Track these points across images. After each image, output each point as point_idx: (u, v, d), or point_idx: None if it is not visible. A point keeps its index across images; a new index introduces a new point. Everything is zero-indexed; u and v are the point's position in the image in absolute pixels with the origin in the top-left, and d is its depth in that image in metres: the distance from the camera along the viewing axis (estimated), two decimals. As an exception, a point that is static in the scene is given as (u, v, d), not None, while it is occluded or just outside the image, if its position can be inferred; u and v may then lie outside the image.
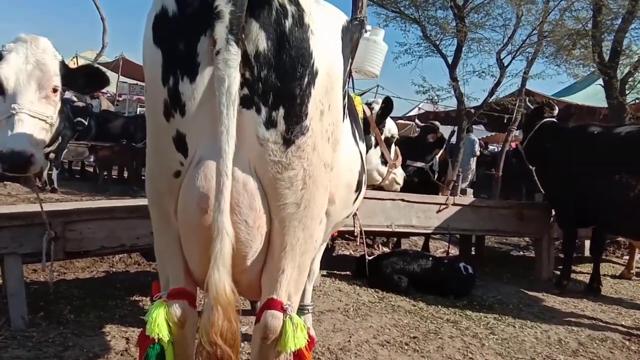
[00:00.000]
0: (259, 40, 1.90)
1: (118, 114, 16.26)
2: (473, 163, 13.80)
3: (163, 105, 1.99)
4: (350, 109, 3.11)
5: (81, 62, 21.71)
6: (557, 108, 7.60)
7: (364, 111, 4.07)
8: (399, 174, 4.75)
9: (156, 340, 2.10)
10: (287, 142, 2.01)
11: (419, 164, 7.77)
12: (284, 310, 2.11)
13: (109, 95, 21.42)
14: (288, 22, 1.94)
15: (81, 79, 3.42)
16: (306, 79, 2.00)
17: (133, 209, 4.59)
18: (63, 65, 3.29)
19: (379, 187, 5.16)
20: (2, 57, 3.07)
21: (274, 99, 1.96)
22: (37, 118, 3.04)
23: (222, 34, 1.84)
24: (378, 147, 4.42)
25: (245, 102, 1.94)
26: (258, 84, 1.94)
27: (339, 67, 2.24)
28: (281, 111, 1.97)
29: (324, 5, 2.39)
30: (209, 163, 1.96)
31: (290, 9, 1.95)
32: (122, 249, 4.73)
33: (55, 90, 3.18)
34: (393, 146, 4.80)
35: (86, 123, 12.65)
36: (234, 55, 1.85)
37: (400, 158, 4.70)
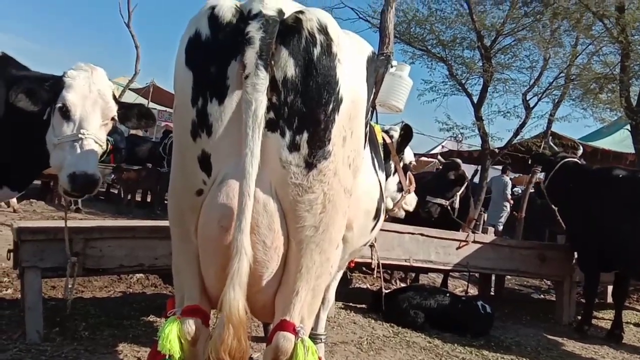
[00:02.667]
0: (288, 66, 1.97)
1: (146, 138, 16.53)
2: (507, 205, 13.59)
3: (191, 125, 2.05)
4: (370, 138, 3.15)
5: (114, 87, 22.31)
6: (581, 148, 7.55)
7: (383, 139, 4.11)
8: (411, 200, 4.74)
9: (167, 357, 2.12)
10: (310, 165, 2.05)
11: (440, 201, 7.71)
12: (296, 332, 2.11)
13: (137, 120, 21.83)
14: (316, 51, 2.00)
15: (134, 116, 3.70)
16: (331, 106, 2.04)
17: (154, 229, 4.65)
18: (114, 95, 3.50)
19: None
20: (66, 83, 3.26)
21: (298, 124, 2.01)
22: (98, 144, 3.25)
23: (252, 59, 1.91)
24: (396, 175, 4.44)
25: (271, 126, 1.99)
26: (284, 109, 1.99)
27: (363, 95, 2.29)
28: (305, 135, 2.02)
29: (351, 36, 2.46)
30: (232, 183, 2.01)
31: (319, 37, 2.01)
32: (141, 269, 4.78)
33: (112, 119, 3.41)
34: (409, 173, 4.80)
35: (121, 145, 12.91)
36: (262, 79, 1.91)
37: (414, 184, 4.69)
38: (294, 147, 2.02)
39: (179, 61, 2.10)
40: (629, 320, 7.57)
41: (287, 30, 1.97)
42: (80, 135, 3.15)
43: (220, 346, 1.92)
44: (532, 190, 13.46)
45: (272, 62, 1.95)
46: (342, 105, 2.08)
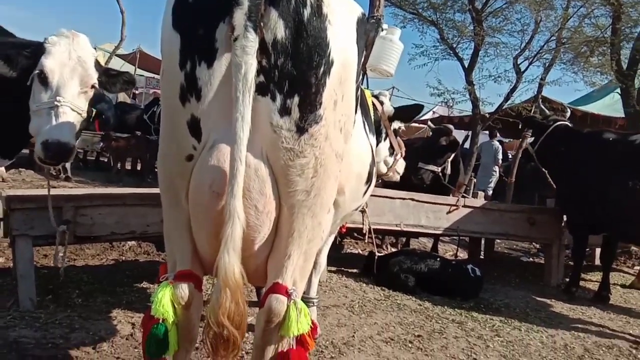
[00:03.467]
0: (277, 28, 1.92)
1: (135, 105, 16.36)
2: (497, 170, 13.61)
3: (179, 89, 2.01)
4: (361, 103, 3.13)
5: (99, 53, 21.96)
6: (569, 111, 7.56)
7: (373, 103, 4.09)
8: (401, 164, 4.76)
9: (161, 321, 2.13)
10: (301, 130, 2.02)
11: (432, 167, 7.72)
12: (288, 295, 2.12)
13: (125, 87, 21.56)
14: (306, 12, 1.95)
15: (119, 84, 3.73)
16: (322, 68, 2.01)
17: (144, 196, 4.64)
18: (97, 62, 3.44)
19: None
20: (46, 50, 3.20)
21: (289, 87, 1.98)
22: (75, 111, 3.19)
23: (240, 21, 1.86)
24: (387, 139, 4.44)
25: (261, 89, 1.96)
26: (274, 72, 1.96)
27: (353, 58, 2.25)
28: (296, 99, 1.99)
29: (341, -3, 2.41)
30: (222, 148, 1.99)
31: None
32: (132, 236, 4.78)
33: (92, 87, 3.34)
34: (398, 137, 4.82)
35: (109, 113, 12.77)
36: (252, 42, 1.87)
37: (404, 148, 4.72)
38: (284, 111, 1.99)
39: (165, 24, 2.05)
40: (615, 282, 7.69)
41: None
42: (56, 103, 3.11)
43: (218, 310, 1.93)
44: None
45: (262, 24, 1.90)
46: (333, 68, 2.05)
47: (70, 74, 3.21)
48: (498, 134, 14.32)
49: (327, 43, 2.01)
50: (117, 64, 23.20)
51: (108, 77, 3.58)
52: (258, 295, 4.38)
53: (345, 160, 2.47)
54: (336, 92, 2.11)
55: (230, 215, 1.91)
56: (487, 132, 15.30)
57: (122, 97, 16.87)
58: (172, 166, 2.18)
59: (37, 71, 3.16)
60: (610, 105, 15.93)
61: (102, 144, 12.19)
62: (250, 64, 1.88)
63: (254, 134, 1.96)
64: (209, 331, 1.96)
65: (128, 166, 13.80)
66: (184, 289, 2.17)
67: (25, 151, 12.78)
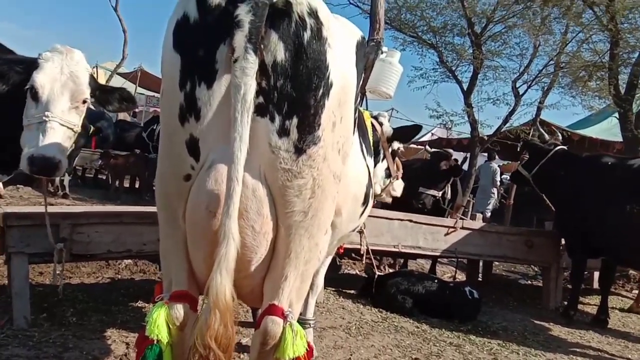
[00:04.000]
0: (277, 50, 1.94)
1: (135, 124, 16.41)
2: (495, 192, 13.59)
3: (179, 109, 2.02)
4: (359, 124, 3.14)
5: (101, 72, 22.14)
6: (560, 135, 7.61)
7: (372, 125, 4.11)
8: (398, 185, 4.77)
9: (155, 342, 2.11)
10: (299, 151, 2.03)
11: (433, 192, 7.73)
12: (284, 316, 2.11)
13: (126, 105, 21.65)
14: (307, 35, 1.97)
15: (115, 100, 3.65)
16: (321, 91, 2.03)
17: (141, 215, 4.63)
18: (92, 78, 3.45)
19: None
20: (39, 65, 3.21)
21: (288, 108, 1.99)
22: (65, 126, 3.18)
23: (241, 43, 1.88)
24: (385, 161, 4.46)
25: (260, 110, 1.97)
26: (274, 93, 1.97)
27: (352, 81, 2.27)
28: (295, 120, 2.00)
29: (341, 20, 2.44)
30: (220, 168, 1.99)
31: (310, 21, 1.98)
32: (129, 255, 4.76)
33: (84, 102, 3.33)
34: (396, 159, 4.84)
35: (108, 131, 12.79)
36: (252, 63, 1.89)
37: (401, 170, 4.73)
38: (283, 132, 2.00)
39: (166, 44, 2.07)
40: (614, 306, 7.66)
41: (277, 13, 1.94)
42: (44, 118, 3.09)
43: (206, 332, 1.91)
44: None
45: (262, 46, 1.92)
46: (332, 91, 2.07)
47: (61, 89, 3.20)
48: (497, 156, 14.35)
49: (326, 66, 2.03)
50: (119, 82, 23.35)
51: (103, 93, 3.56)
52: (254, 316, 4.34)
53: (343, 181, 2.48)
54: (335, 114, 2.12)
55: (224, 236, 1.90)
56: (485, 154, 15.37)
57: (122, 115, 16.93)
58: (170, 185, 2.18)
59: (29, 86, 3.16)
60: (608, 130, 16.00)
61: (100, 161, 12.19)
62: (250, 85, 1.89)
63: (253, 155, 1.96)
64: (195, 353, 1.93)
65: (126, 184, 13.80)
66: (179, 310, 2.16)
67: (24, 168, 12.73)
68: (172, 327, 2.15)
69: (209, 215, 2.02)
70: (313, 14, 2.00)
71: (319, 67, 2.01)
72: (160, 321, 2.13)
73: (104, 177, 14.42)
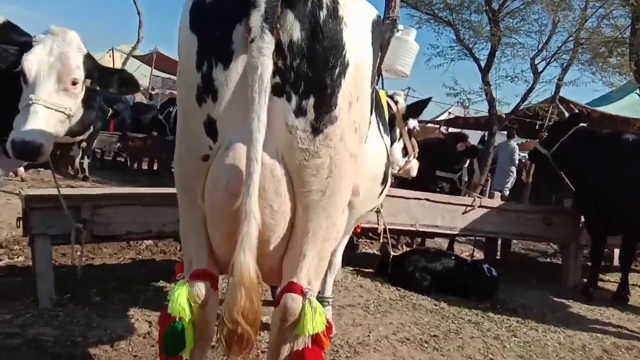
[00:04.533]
0: (294, 30, 1.94)
1: (151, 106, 16.50)
2: (514, 171, 13.41)
3: (196, 90, 2.04)
4: (376, 104, 3.14)
5: (117, 55, 22.21)
6: (585, 113, 7.50)
7: (388, 104, 4.09)
8: (414, 165, 4.77)
9: (177, 319, 2.16)
10: (316, 130, 2.04)
11: (449, 175, 7.70)
12: (303, 294, 2.14)
13: (142, 88, 21.77)
14: (322, 14, 1.97)
15: (115, 82, 3.53)
16: (337, 70, 2.03)
17: (161, 195, 4.68)
18: (90, 59, 3.38)
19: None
20: (30, 47, 3.16)
21: (305, 88, 2.00)
22: (52, 109, 3.12)
23: (257, 23, 1.88)
24: (402, 140, 4.45)
25: (277, 90, 1.98)
26: (290, 73, 1.98)
27: (369, 60, 2.26)
28: (311, 100, 2.01)
29: (357, -1, 2.42)
30: (238, 148, 2.01)
31: (325, 0, 1.98)
32: (149, 235, 4.83)
33: (74, 83, 3.24)
34: (412, 138, 4.82)
35: (125, 113, 12.90)
36: (268, 43, 1.89)
37: (417, 149, 4.72)
38: (300, 112, 2.01)
39: (182, 25, 2.08)
40: (635, 283, 7.61)
41: None
42: (29, 101, 3.05)
43: (233, 307, 1.95)
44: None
45: (278, 26, 1.92)
46: (348, 70, 2.06)
47: (48, 71, 3.13)
48: (516, 135, 14.18)
49: (342, 45, 2.03)
50: (134, 65, 23.46)
51: (102, 75, 3.47)
52: (273, 294, 4.40)
53: (360, 161, 2.48)
54: (351, 93, 2.12)
55: (246, 215, 1.93)
56: (504, 132, 15.20)
57: (139, 97, 17.05)
58: (188, 166, 2.21)
59: (19, 69, 3.12)
60: (629, 107, 15.72)
61: (118, 144, 12.31)
62: (267, 65, 1.90)
63: (270, 135, 1.98)
64: (223, 328, 1.98)
65: (144, 166, 13.93)
66: (200, 288, 2.20)
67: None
68: (194, 305, 2.20)
69: (228, 194, 2.04)
70: None
71: (335, 46, 2.01)
72: (182, 299, 2.17)
73: (123, 160, 14.57)
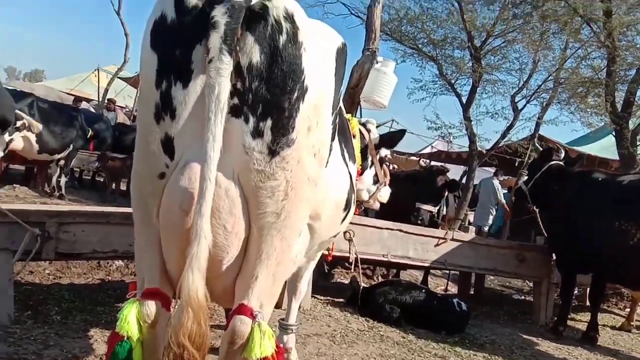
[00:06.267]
0: (253, 53, 1.97)
1: (133, 127, 16.43)
2: (493, 210, 13.44)
3: (154, 107, 2.05)
4: (342, 131, 3.17)
5: (102, 75, 22.22)
6: (563, 152, 7.61)
7: (360, 132, 4.13)
8: (384, 192, 4.78)
9: (125, 338, 2.12)
10: (272, 152, 2.05)
11: (429, 207, 7.73)
12: (253, 316, 2.11)
13: (127, 110, 21.73)
14: (282, 38, 2.00)
15: None
16: (296, 94, 2.05)
17: (129, 215, 4.57)
18: None
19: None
20: None
21: (262, 110, 2.01)
22: None
23: (216, 44, 1.90)
24: (373, 168, 4.47)
25: (235, 111, 2.00)
26: (248, 95, 1.99)
27: (330, 86, 2.30)
28: (269, 122, 2.02)
29: (321, 26, 2.46)
30: (193, 167, 2.01)
31: (285, 25, 2.01)
32: (115, 255, 4.75)
33: None
34: (384, 166, 4.84)
35: (106, 133, 12.84)
36: (226, 64, 1.91)
37: (388, 177, 4.74)
38: (257, 133, 2.02)
39: (144, 43, 2.10)
40: (606, 323, 7.65)
41: (254, 16, 1.97)
42: None
43: (180, 330, 1.92)
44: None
45: (237, 48, 1.95)
46: (307, 95, 2.09)
47: None
48: (501, 174, 14.27)
49: (301, 70, 2.05)
50: (120, 86, 23.49)
51: None
52: (227, 317, 4.33)
53: (322, 186, 2.50)
54: (310, 118, 2.14)
55: (196, 235, 1.92)
56: (488, 168, 15.34)
57: (122, 118, 17.00)
58: (145, 184, 2.20)
59: None
60: (607, 148, 15.97)
61: (97, 163, 12.20)
62: (224, 86, 1.92)
63: (226, 155, 1.99)
64: (169, 352, 1.94)
65: (123, 187, 13.78)
66: (151, 307, 2.16)
67: (21, 167, 12.80)
68: (143, 325, 2.16)
69: (182, 213, 2.04)
70: (289, 18, 2.02)
71: (294, 71, 2.03)
72: (131, 318, 2.13)
73: (101, 180, 14.43)
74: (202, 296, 1.94)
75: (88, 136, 11.38)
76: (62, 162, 10.80)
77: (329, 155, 2.55)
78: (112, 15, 21.18)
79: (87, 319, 4.51)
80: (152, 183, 2.14)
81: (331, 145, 2.55)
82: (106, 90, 21.20)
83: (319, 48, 2.19)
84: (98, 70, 21.79)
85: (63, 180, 11.06)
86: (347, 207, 3.26)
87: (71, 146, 10.69)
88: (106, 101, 17.91)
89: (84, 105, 16.14)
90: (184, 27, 1.99)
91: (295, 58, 2.03)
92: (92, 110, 16.09)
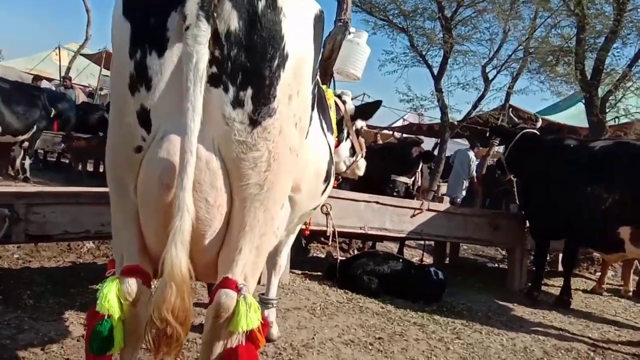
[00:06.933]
0: (231, 19, 1.89)
1: (98, 106, 16.06)
2: (466, 180, 13.46)
3: (129, 78, 1.97)
4: (320, 102, 3.11)
5: (64, 53, 21.57)
6: (540, 121, 7.70)
7: (336, 104, 4.07)
8: (361, 164, 4.75)
9: (106, 317, 2.07)
10: (254, 122, 1.99)
11: (404, 179, 7.73)
12: (238, 289, 2.07)
13: (90, 88, 21.19)
14: (261, 4, 1.94)
15: None
16: (276, 61, 1.99)
17: (99, 195, 4.50)
18: None
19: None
20: None
21: (242, 79, 1.95)
22: None
23: (192, 10, 1.83)
24: (349, 139, 4.43)
25: (213, 80, 1.93)
26: (227, 63, 1.93)
27: (309, 54, 2.23)
28: (249, 91, 1.96)
29: (298, -8, 2.38)
30: (173, 139, 1.95)
31: None
32: (87, 235, 4.62)
33: None
34: (360, 137, 4.81)
35: (70, 113, 12.49)
36: (204, 31, 1.84)
37: (365, 149, 4.71)
38: (237, 103, 1.96)
39: (115, 11, 2.01)
40: (577, 287, 7.83)
41: None
42: None
43: (162, 304, 1.87)
44: (491, 163, 13.71)
45: (215, 14, 1.87)
46: (288, 62, 2.03)
47: None
48: (478, 147, 14.33)
49: (281, 36, 1.99)
50: (83, 64, 22.86)
51: None
52: (210, 293, 4.27)
53: (302, 157, 2.45)
54: (291, 86, 2.08)
55: (179, 208, 1.87)
56: (461, 140, 15.38)
57: (81, 96, 16.51)
58: (121, 158, 2.12)
59: None
60: (577, 116, 16.18)
61: (63, 144, 11.87)
62: (202, 54, 1.85)
63: (206, 126, 1.92)
64: (152, 327, 1.90)
65: (90, 167, 13.50)
66: (131, 285, 2.11)
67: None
68: (124, 302, 2.11)
69: (162, 187, 1.97)
70: None
71: (274, 38, 1.97)
72: (111, 296, 2.09)
73: (67, 161, 14.09)
74: (185, 271, 1.89)
75: (52, 116, 11.05)
76: (25, 144, 10.48)
77: (309, 125, 2.49)
78: (72, -8, 20.54)
79: (61, 302, 4.40)
80: (128, 157, 2.06)
81: (311, 115, 2.49)
82: (68, 69, 20.63)
83: (298, 14, 2.12)
84: (59, 48, 21.13)
85: (27, 162, 10.75)
86: (327, 178, 3.22)
87: (35, 127, 10.34)
88: (61, 79, 17.16)
89: (44, 84, 15.64)
90: None
91: (275, 24, 1.97)
92: (53, 89, 15.58)
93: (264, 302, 3.99)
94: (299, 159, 2.36)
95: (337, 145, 4.23)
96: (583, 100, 10.99)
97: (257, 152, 2.04)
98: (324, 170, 3.13)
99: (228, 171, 2.04)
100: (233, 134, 1.98)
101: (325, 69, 6.32)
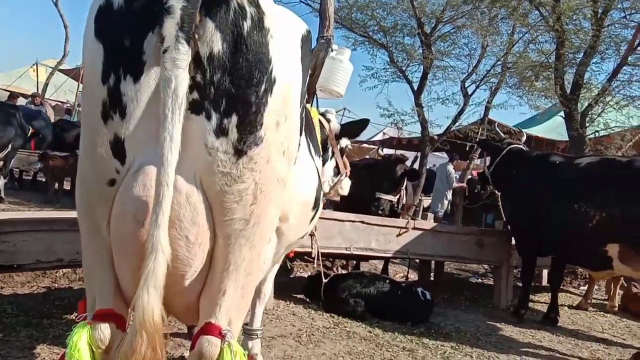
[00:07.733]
0: (214, 41, 1.76)
1: (75, 123, 15.72)
2: (449, 193, 13.47)
3: (101, 105, 1.81)
4: (307, 123, 2.97)
5: (42, 69, 21.23)
6: (525, 135, 7.66)
7: (320, 122, 3.93)
8: (345, 184, 4.61)
9: (76, 367, 1.88)
10: (239, 152, 1.86)
11: (389, 197, 7.62)
12: (222, 336, 1.91)
13: (68, 105, 20.80)
14: (247, 24, 1.81)
15: None
16: (263, 86, 1.86)
17: (74, 221, 4.27)
18: None
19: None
20: None
21: (226, 106, 1.81)
22: None
23: (171, 31, 1.69)
24: (334, 159, 4.30)
25: (195, 107, 1.79)
26: (210, 88, 1.79)
27: (298, 76, 2.10)
28: (234, 119, 1.83)
29: (284, 11, 2.25)
30: (148, 171, 1.80)
31: (250, 10, 1.82)
32: (60, 264, 4.40)
33: None
34: (344, 157, 4.67)
35: (46, 131, 12.19)
36: (184, 54, 1.70)
37: (349, 168, 4.57)
38: (221, 131, 1.82)
39: (87, 32, 1.86)
40: (563, 303, 7.75)
41: (213, 0, 1.75)
42: None
43: (132, 356, 1.71)
44: (472, 177, 13.73)
45: (196, 36, 1.73)
46: (276, 87, 1.90)
47: None
48: (457, 159, 14.34)
49: (268, 59, 1.86)
50: (61, 80, 22.50)
51: None
52: (190, 333, 4.07)
53: (289, 185, 2.29)
54: (279, 112, 1.95)
55: (152, 248, 1.70)
56: (439, 153, 15.37)
57: (51, 112, 16.13)
58: (92, 191, 1.95)
59: None
60: (554, 129, 16.35)
61: (39, 164, 11.53)
62: (182, 79, 1.70)
63: (186, 157, 1.78)
64: None
65: (67, 186, 13.15)
66: (104, 330, 1.93)
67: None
68: (96, 350, 1.93)
69: (137, 224, 1.81)
70: (253, 2, 1.83)
71: (261, 61, 1.84)
72: (82, 344, 1.91)
73: (44, 180, 13.71)
74: (158, 318, 1.72)
75: (28, 134, 10.75)
76: (0, 163, 10.17)
77: (297, 151, 2.34)
78: (49, 7, 20.25)
79: (33, 334, 4.17)
80: (100, 191, 1.90)
81: (299, 140, 2.35)
82: (46, 85, 20.28)
83: (285, 35, 1.99)
84: (37, 64, 20.79)
85: (2, 182, 10.42)
86: (315, 205, 3.06)
87: (9, 146, 10.06)
88: (31, 96, 16.64)
89: (21, 101, 15.26)
90: (134, 13, 1.77)
91: (262, 46, 1.84)
92: (31, 107, 15.22)
93: (248, 333, 3.80)
94: (287, 187, 2.21)
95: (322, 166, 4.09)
96: (561, 114, 11.04)
97: (243, 184, 1.89)
98: (312, 197, 2.98)
99: (211, 205, 1.89)
100: (216, 165, 1.84)
101: (308, 87, 6.18)
